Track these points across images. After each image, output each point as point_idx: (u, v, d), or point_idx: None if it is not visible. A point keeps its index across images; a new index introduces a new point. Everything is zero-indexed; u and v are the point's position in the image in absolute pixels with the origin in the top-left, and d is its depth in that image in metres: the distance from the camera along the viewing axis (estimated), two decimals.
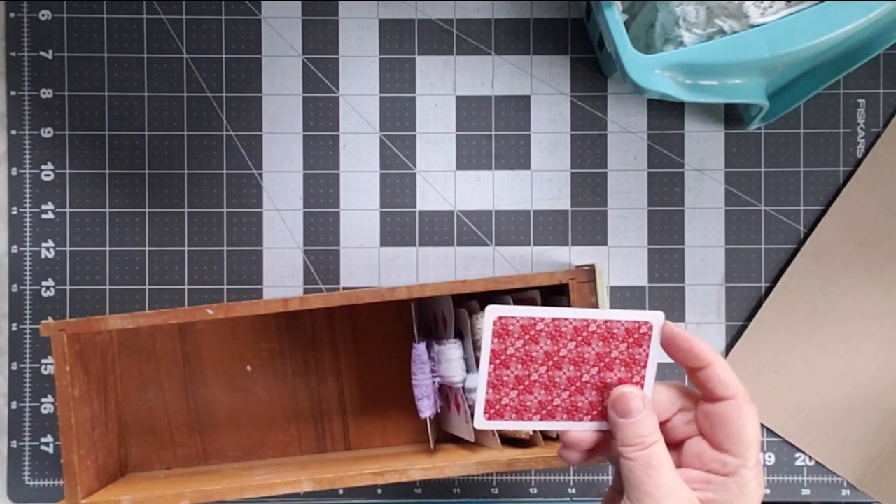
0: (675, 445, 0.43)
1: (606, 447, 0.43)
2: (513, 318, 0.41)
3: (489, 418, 0.42)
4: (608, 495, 0.45)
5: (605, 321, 0.41)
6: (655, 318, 0.41)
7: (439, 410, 0.55)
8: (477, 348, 0.53)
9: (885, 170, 0.59)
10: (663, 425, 0.43)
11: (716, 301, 0.60)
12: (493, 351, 0.41)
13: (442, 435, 0.59)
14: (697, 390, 0.43)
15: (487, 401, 0.42)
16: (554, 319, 0.41)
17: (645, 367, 0.41)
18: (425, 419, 0.54)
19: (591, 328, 0.41)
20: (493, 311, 0.40)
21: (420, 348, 0.53)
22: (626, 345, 0.41)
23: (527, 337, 0.41)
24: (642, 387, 0.42)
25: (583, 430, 0.42)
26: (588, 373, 0.42)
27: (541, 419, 0.42)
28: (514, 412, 0.42)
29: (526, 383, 0.42)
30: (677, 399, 0.43)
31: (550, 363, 0.42)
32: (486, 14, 0.59)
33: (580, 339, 0.41)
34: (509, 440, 0.55)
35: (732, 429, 0.41)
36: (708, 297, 0.60)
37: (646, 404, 0.41)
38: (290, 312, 0.52)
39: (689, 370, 0.42)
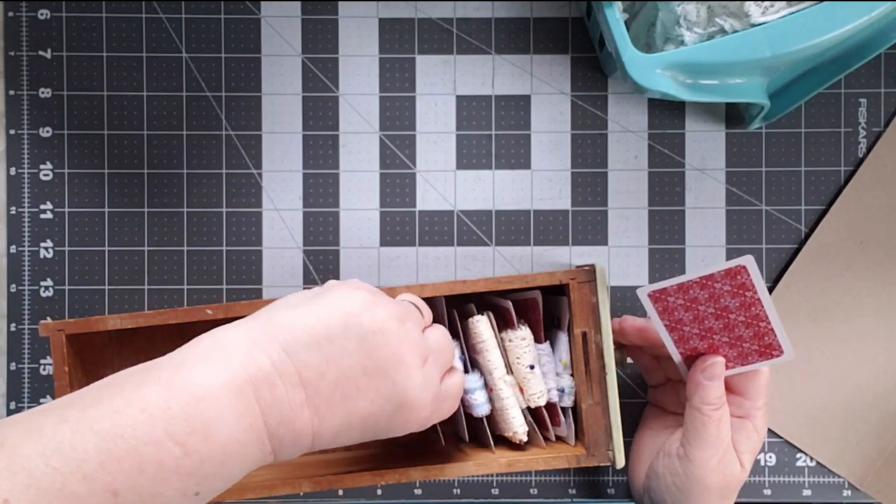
0: None
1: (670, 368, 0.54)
2: (664, 289, 0.48)
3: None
4: (650, 411, 0.57)
5: (701, 277, 0.47)
6: (746, 261, 0.46)
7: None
8: (473, 350, 0.53)
9: (887, 169, 0.59)
10: None
11: None
12: (661, 319, 0.49)
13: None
14: None
15: (682, 353, 0.50)
16: (681, 284, 0.48)
17: (762, 305, 0.47)
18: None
19: (714, 285, 0.48)
20: (644, 290, 0.48)
21: None
22: (735, 295, 0.48)
23: (680, 302, 0.49)
24: (770, 324, 0.48)
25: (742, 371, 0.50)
26: (727, 319, 0.49)
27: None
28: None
29: (699, 331, 0.49)
30: None
31: (701, 317, 0.49)
32: (487, 13, 0.59)
33: (708, 295, 0.48)
34: (505, 442, 0.55)
35: (750, 375, 0.50)
36: None
37: (722, 373, 0.49)
38: None
39: None
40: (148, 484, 0.35)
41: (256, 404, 0.38)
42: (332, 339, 0.40)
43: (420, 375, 0.42)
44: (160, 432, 0.35)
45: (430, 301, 0.55)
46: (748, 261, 0.46)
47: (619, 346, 0.54)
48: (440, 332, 0.45)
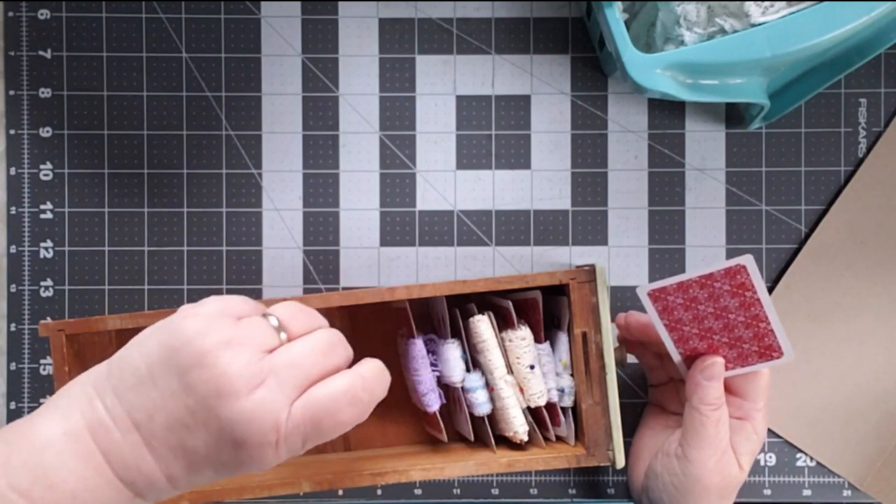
0: None
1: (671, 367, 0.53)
2: (663, 288, 0.48)
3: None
4: (650, 410, 0.56)
5: (700, 276, 0.47)
6: (745, 261, 0.46)
7: (444, 401, 0.55)
8: (474, 350, 0.53)
9: (887, 169, 0.59)
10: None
11: None
12: (661, 319, 0.49)
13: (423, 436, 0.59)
14: None
15: (682, 353, 0.50)
16: (680, 283, 0.48)
17: (761, 306, 0.47)
18: (434, 413, 0.54)
19: (714, 285, 0.47)
20: (643, 289, 0.48)
21: (418, 343, 0.53)
22: (735, 295, 0.47)
23: (679, 301, 0.49)
24: (770, 325, 0.48)
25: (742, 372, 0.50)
26: (727, 319, 0.48)
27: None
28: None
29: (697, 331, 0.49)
30: None
31: (699, 317, 0.49)
32: (486, 13, 0.59)
33: (707, 294, 0.48)
34: (505, 442, 0.55)
35: (749, 377, 0.50)
36: None
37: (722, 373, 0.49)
38: None
39: None
40: None
41: (97, 449, 0.38)
42: (155, 380, 0.38)
43: (248, 404, 0.37)
44: (3, 485, 0.36)
45: (432, 301, 0.55)
46: (748, 260, 0.46)
47: (620, 346, 0.55)
48: (300, 346, 0.40)
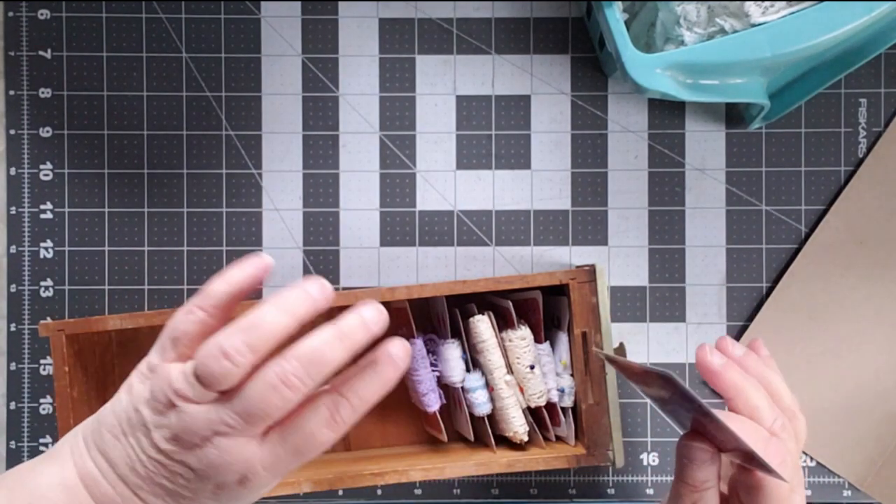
0: None
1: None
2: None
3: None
4: None
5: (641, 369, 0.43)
6: (666, 375, 0.41)
7: (444, 401, 0.55)
8: (474, 350, 0.53)
9: (887, 169, 0.59)
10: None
11: (716, 301, 0.59)
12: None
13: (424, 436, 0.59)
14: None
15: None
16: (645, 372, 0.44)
17: (704, 414, 0.41)
18: (434, 413, 0.54)
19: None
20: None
21: (418, 343, 0.53)
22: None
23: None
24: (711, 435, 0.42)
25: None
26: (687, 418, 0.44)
27: None
28: None
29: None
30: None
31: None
32: (487, 13, 0.59)
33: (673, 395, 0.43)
34: (506, 442, 0.55)
35: (753, 491, 0.42)
36: (709, 298, 0.59)
37: (712, 457, 0.42)
38: None
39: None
40: None
41: (90, 499, 0.39)
42: (126, 437, 0.39)
43: (214, 453, 0.37)
44: None
45: (433, 301, 0.55)
46: (670, 374, 0.41)
47: (620, 346, 0.55)
48: (246, 393, 0.37)
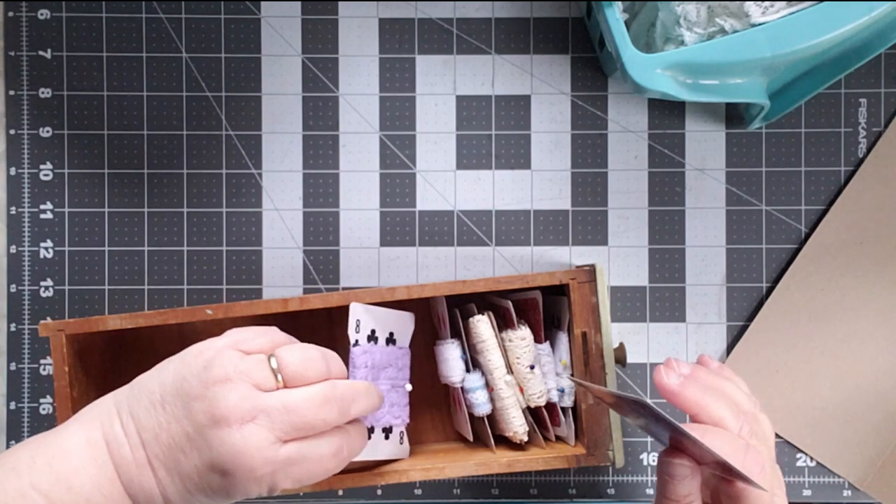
0: None
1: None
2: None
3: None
4: None
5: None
6: (640, 402, 0.42)
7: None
8: (474, 350, 0.53)
9: (887, 169, 0.59)
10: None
11: (716, 301, 0.59)
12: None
13: (440, 436, 0.59)
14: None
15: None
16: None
17: (680, 433, 0.42)
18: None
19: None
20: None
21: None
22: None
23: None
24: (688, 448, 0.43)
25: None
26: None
27: None
28: None
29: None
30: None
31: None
32: (486, 13, 0.59)
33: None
34: (506, 442, 0.55)
35: (734, 498, 0.43)
36: (709, 298, 0.59)
37: (693, 472, 0.43)
38: (290, 313, 0.52)
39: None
40: None
41: (111, 460, 0.41)
42: (164, 405, 0.42)
43: (237, 436, 0.40)
44: (25, 484, 0.39)
45: (432, 301, 0.55)
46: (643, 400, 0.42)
47: (620, 346, 0.55)
48: (296, 395, 0.42)
